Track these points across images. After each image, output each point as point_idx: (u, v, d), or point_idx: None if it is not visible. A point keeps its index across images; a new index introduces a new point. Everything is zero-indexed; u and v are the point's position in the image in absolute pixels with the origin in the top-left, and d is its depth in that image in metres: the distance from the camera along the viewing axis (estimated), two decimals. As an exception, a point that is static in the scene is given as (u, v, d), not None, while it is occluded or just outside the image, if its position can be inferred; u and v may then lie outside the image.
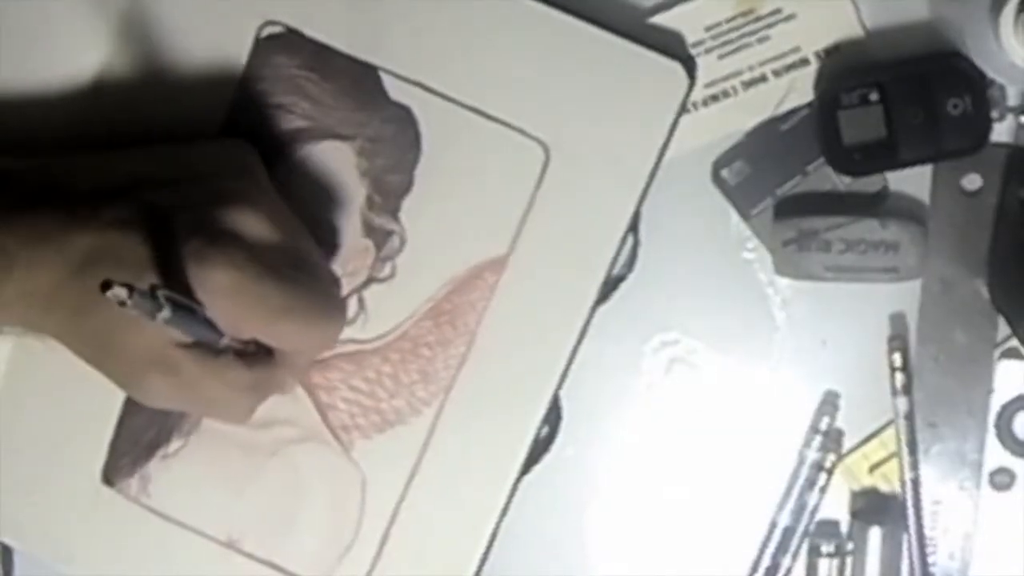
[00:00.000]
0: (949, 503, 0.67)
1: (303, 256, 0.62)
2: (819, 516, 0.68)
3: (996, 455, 0.67)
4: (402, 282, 0.67)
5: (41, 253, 0.58)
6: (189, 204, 0.59)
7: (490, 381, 0.67)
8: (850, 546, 0.68)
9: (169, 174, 0.61)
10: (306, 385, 0.68)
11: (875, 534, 0.67)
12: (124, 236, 0.58)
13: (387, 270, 0.67)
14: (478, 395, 0.67)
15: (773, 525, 0.68)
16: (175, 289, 0.56)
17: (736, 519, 0.68)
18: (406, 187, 0.67)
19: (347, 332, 0.67)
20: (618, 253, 0.66)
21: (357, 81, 0.66)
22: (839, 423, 0.68)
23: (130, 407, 0.68)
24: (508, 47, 0.66)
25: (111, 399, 0.68)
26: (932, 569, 0.67)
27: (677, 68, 0.65)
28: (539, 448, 0.68)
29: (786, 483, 0.68)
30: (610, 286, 0.67)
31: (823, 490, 0.67)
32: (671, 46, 0.66)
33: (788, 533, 0.68)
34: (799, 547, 0.68)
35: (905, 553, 0.67)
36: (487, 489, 0.67)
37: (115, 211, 0.59)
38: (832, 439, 0.68)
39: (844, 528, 0.68)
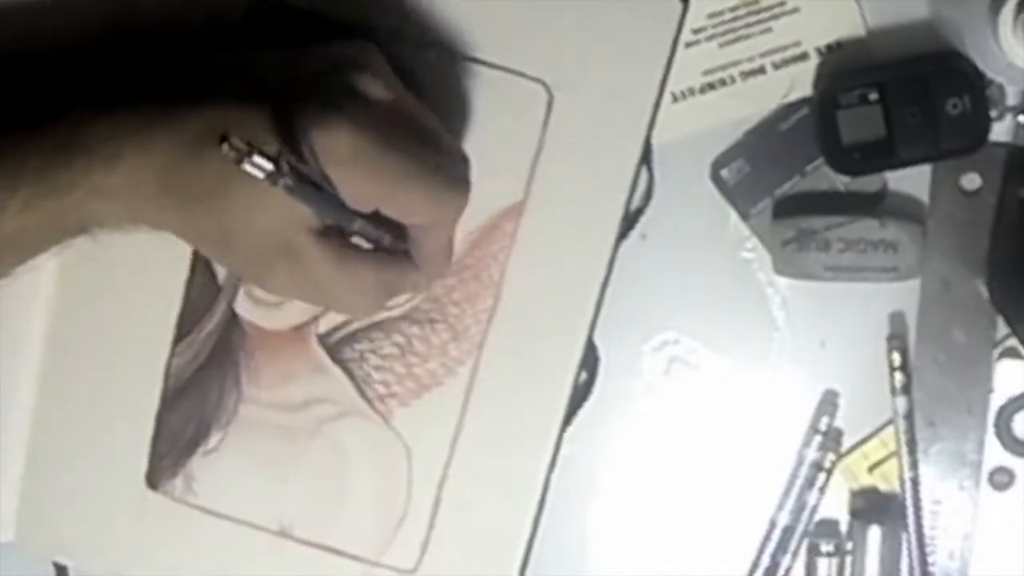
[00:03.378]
0: (949, 502, 0.67)
1: (427, 126, 0.60)
2: (819, 515, 0.68)
3: (996, 454, 0.67)
4: None
5: (152, 136, 0.56)
6: (308, 75, 0.57)
7: (522, 332, 0.67)
8: (849, 545, 0.68)
9: (288, 61, 0.59)
10: (336, 359, 0.67)
11: (874, 533, 0.67)
12: (240, 111, 0.55)
13: None
14: (512, 347, 0.67)
15: (773, 524, 0.68)
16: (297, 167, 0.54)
17: (736, 518, 0.68)
18: None
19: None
20: (634, 186, 0.66)
21: None
22: (838, 422, 0.68)
23: (165, 407, 0.67)
24: None
25: (146, 404, 0.67)
26: (932, 568, 0.67)
27: None
28: (579, 395, 0.67)
29: (785, 482, 0.68)
30: (630, 220, 0.67)
31: (822, 489, 0.67)
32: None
33: (788, 532, 0.68)
34: (799, 546, 0.68)
35: (905, 552, 0.67)
36: (532, 442, 0.67)
37: (232, 90, 0.56)
38: (831, 438, 0.68)
39: (843, 527, 0.68)
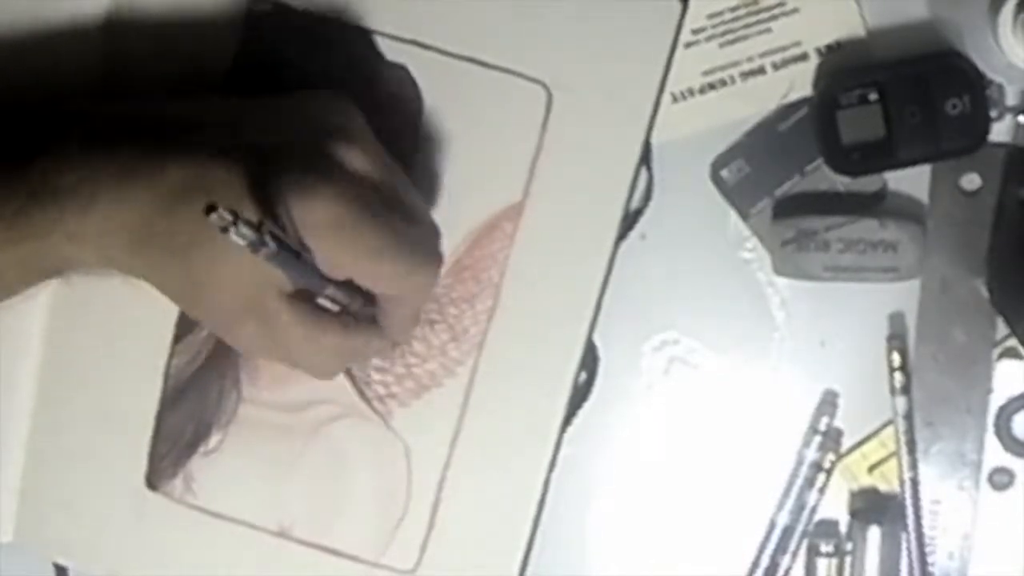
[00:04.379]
0: (948, 503, 0.67)
1: (405, 200, 0.60)
2: (818, 516, 0.68)
3: (995, 455, 0.67)
4: None
5: (128, 185, 0.56)
6: (291, 140, 0.57)
7: (521, 332, 0.67)
8: (849, 546, 0.68)
9: (270, 116, 0.59)
10: None
11: (874, 534, 0.67)
12: (220, 169, 0.55)
13: None
14: (511, 348, 0.67)
15: (772, 525, 0.68)
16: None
17: (735, 519, 0.68)
18: (413, 146, 0.66)
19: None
20: (633, 187, 0.66)
21: (352, 47, 0.66)
22: (838, 423, 0.68)
23: (165, 408, 0.67)
24: None
25: (145, 405, 0.67)
26: (931, 569, 0.67)
27: None
28: (579, 395, 0.68)
29: (785, 483, 0.68)
30: (629, 221, 0.67)
31: (822, 490, 0.67)
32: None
33: (787, 533, 0.68)
34: (798, 547, 0.68)
35: (904, 553, 0.67)
36: (532, 443, 0.67)
37: (211, 143, 0.56)
38: (831, 439, 0.68)
39: (843, 528, 0.68)
